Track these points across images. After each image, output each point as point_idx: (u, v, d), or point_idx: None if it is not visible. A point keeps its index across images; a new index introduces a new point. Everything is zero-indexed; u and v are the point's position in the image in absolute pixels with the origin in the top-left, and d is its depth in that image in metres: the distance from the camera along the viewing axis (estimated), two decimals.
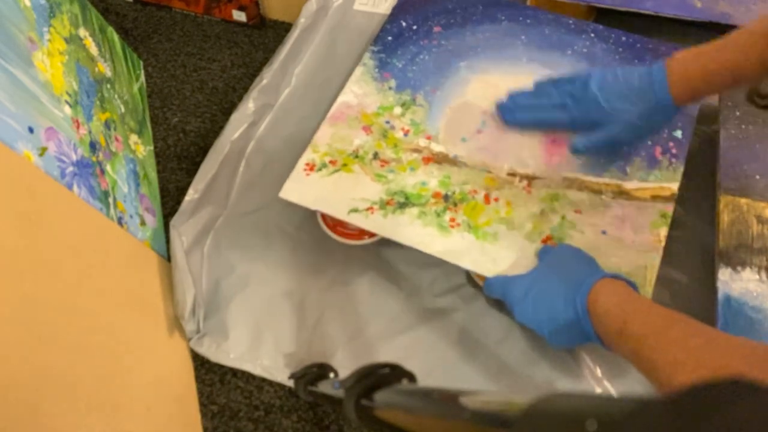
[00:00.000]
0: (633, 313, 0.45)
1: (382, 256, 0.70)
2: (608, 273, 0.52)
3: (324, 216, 0.71)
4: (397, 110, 0.70)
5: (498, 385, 0.62)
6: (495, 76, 0.72)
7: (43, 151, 0.58)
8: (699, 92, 0.56)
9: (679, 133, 0.66)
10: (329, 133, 0.68)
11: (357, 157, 0.66)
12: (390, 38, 0.76)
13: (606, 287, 0.49)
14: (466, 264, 0.60)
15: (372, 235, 0.69)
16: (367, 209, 0.63)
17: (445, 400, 0.30)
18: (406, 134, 0.68)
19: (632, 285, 0.51)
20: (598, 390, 0.61)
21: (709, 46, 0.54)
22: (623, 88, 0.58)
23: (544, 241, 0.61)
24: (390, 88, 0.72)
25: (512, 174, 0.65)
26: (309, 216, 0.72)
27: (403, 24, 0.77)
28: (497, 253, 0.60)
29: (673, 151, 0.65)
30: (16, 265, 0.48)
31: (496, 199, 0.63)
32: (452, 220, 0.62)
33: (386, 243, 0.70)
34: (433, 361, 0.64)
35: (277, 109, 0.82)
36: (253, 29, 1.09)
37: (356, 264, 0.69)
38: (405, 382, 0.38)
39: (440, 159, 0.66)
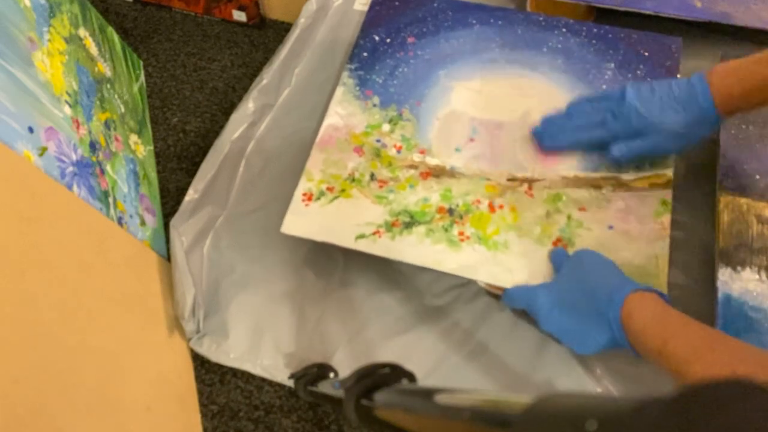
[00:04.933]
0: (672, 332, 0.45)
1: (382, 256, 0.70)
2: (638, 284, 0.50)
3: None
4: (386, 127, 0.69)
5: (498, 385, 0.62)
6: (476, 81, 0.72)
7: (43, 151, 0.58)
8: (739, 106, 0.55)
9: None
10: (321, 159, 0.67)
11: (354, 180, 0.66)
12: (365, 54, 0.75)
13: (640, 302, 0.49)
14: (483, 277, 0.60)
15: None
16: (374, 233, 0.62)
17: (445, 400, 0.30)
18: (399, 151, 0.68)
19: (663, 296, 0.50)
20: (598, 390, 0.61)
21: (747, 60, 0.54)
22: (665, 98, 0.57)
23: (555, 244, 0.61)
24: (374, 106, 0.71)
25: (512, 179, 0.65)
26: None
27: (376, 38, 0.76)
28: (511, 262, 0.60)
29: None
30: (16, 265, 0.48)
31: (501, 207, 0.63)
32: (461, 233, 0.62)
33: None
34: (433, 361, 0.64)
35: (277, 109, 0.82)
36: (253, 29, 1.09)
37: (356, 264, 0.69)
38: (405, 382, 0.38)
39: (438, 172, 0.66)
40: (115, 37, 0.95)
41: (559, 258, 0.58)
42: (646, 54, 0.71)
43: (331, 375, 0.57)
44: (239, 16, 1.08)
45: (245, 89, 0.89)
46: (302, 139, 0.71)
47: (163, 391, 0.69)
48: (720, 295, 0.58)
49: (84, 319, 0.57)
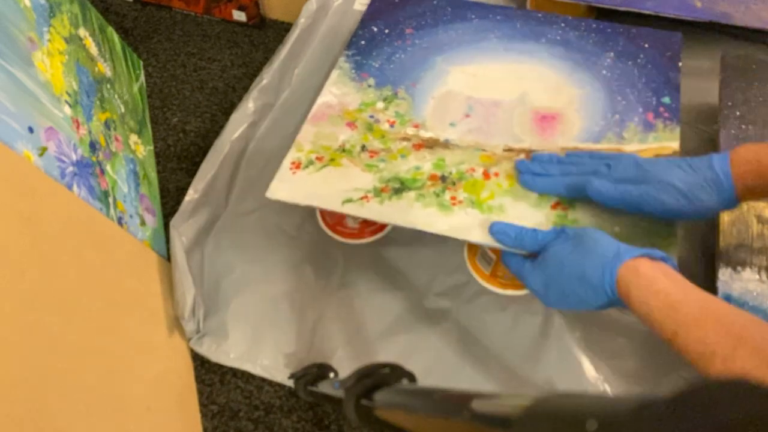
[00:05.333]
0: (682, 321, 0.42)
1: (382, 256, 0.70)
2: (635, 249, 0.46)
3: (324, 216, 0.71)
4: (380, 105, 0.68)
5: (498, 385, 0.62)
6: (473, 66, 0.71)
7: (43, 151, 0.58)
8: (756, 192, 0.49)
9: (667, 99, 0.66)
10: (312, 132, 0.66)
11: (344, 151, 0.64)
12: (363, 42, 0.75)
13: (634, 275, 0.45)
14: (477, 238, 0.56)
15: (372, 233, 0.69)
16: (362, 198, 0.60)
17: (445, 400, 0.30)
18: (392, 125, 0.66)
19: (666, 260, 0.46)
20: (598, 390, 0.61)
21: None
22: (674, 161, 0.51)
23: (554, 207, 0.57)
24: (369, 86, 0.70)
25: (509, 150, 0.63)
26: (309, 216, 0.72)
27: (375, 29, 0.76)
28: None
29: (666, 114, 0.65)
30: (16, 265, 0.48)
31: (497, 174, 0.61)
32: (453, 198, 0.59)
33: (386, 243, 0.70)
34: (433, 361, 0.64)
35: (277, 109, 0.82)
36: (253, 29, 1.09)
37: (356, 264, 0.69)
38: (405, 382, 0.39)
39: (431, 144, 0.64)
40: (115, 37, 0.95)
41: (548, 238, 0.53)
42: (646, 45, 0.71)
43: (331, 375, 0.57)
44: (239, 16, 1.08)
45: (245, 89, 0.89)
46: None
47: (163, 391, 0.69)
48: (720, 295, 0.58)
49: (84, 319, 0.57)
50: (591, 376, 0.61)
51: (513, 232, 0.53)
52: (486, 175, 0.61)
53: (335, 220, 0.69)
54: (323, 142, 0.65)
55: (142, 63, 1.05)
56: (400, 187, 0.60)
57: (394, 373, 0.38)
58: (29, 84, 0.61)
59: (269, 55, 0.88)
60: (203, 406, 0.75)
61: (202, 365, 0.76)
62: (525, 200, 0.58)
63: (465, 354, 0.64)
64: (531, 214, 0.57)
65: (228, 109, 0.99)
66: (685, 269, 0.65)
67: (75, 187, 0.63)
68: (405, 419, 0.33)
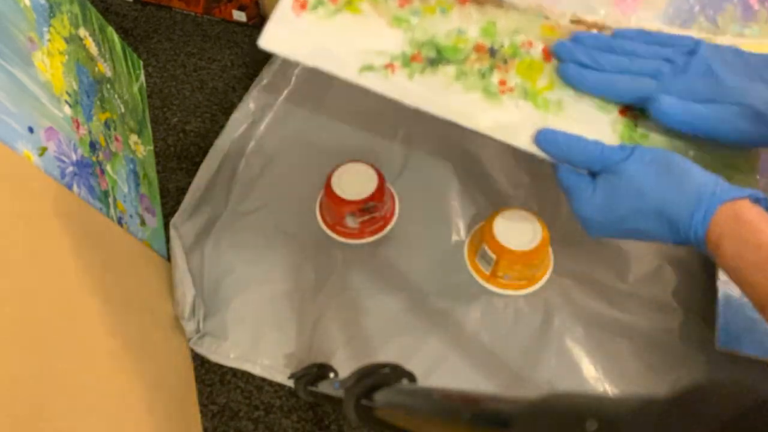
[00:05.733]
0: None
1: (382, 255, 0.70)
2: (741, 188, 0.37)
3: (324, 215, 0.71)
4: None
5: (498, 385, 0.62)
6: None
7: (43, 151, 0.58)
8: None
9: None
10: None
11: None
12: None
13: (739, 213, 0.36)
14: (524, 143, 0.45)
15: (372, 233, 0.69)
16: (386, 67, 0.47)
17: (445, 400, 0.30)
18: None
19: (761, 201, 0.37)
20: (598, 390, 0.61)
21: None
22: (760, 66, 0.41)
23: (623, 112, 0.46)
24: None
25: (577, 21, 0.49)
26: (309, 216, 0.72)
27: None
28: (564, 129, 0.45)
29: None
30: (16, 265, 0.48)
31: None
32: (502, 83, 0.47)
33: (386, 243, 0.70)
34: (433, 361, 0.64)
35: (277, 109, 0.82)
36: (253, 29, 1.09)
37: (356, 264, 0.69)
38: (405, 382, 0.39)
39: None
40: (115, 37, 0.95)
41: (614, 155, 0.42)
42: None
43: (331, 375, 0.57)
44: (239, 16, 1.08)
45: (245, 89, 0.89)
46: (302, 139, 0.71)
47: (163, 391, 0.69)
48: (720, 295, 0.58)
49: (84, 319, 0.57)
50: (591, 376, 0.61)
51: (568, 142, 0.43)
52: (546, 54, 0.48)
53: (335, 220, 0.69)
54: None
55: (142, 63, 1.05)
56: (436, 57, 0.47)
57: (394, 373, 0.38)
58: (29, 84, 0.61)
59: (269, 55, 0.88)
60: (203, 406, 0.75)
61: (202, 365, 0.76)
62: (590, 97, 0.46)
63: (465, 354, 0.64)
64: (595, 118, 0.46)
65: (228, 109, 0.99)
66: (686, 269, 0.66)
67: (75, 187, 0.63)
68: (405, 419, 0.33)
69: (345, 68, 0.46)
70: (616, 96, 0.46)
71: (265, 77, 0.83)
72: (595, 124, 0.46)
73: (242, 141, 0.79)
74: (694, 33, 0.48)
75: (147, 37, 1.10)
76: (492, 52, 0.48)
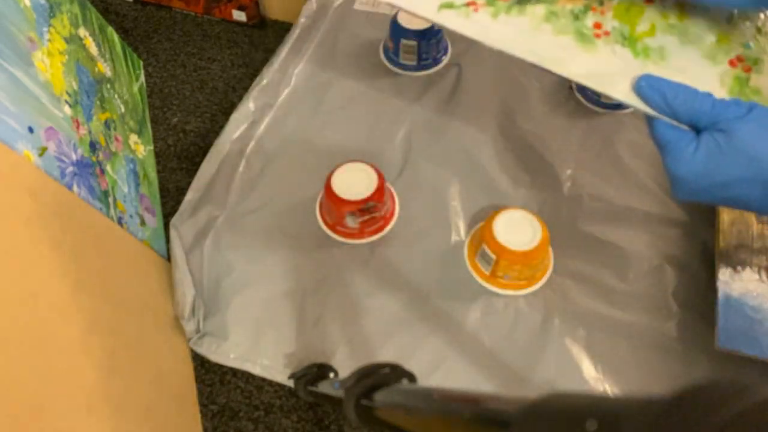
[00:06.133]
0: None
1: (383, 255, 0.70)
2: None
3: (324, 215, 0.71)
4: None
5: (498, 385, 0.62)
6: None
7: (43, 151, 0.58)
8: None
9: None
10: None
11: None
12: None
13: None
14: (621, 94, 0.40)
15: (372, 233, 0.69)
16: (468, 4, 0.42)
17: (445, 400, 0.30)
18: None
19: None
20: (598, 390, 0.61)
21: None
22: None
23: (733, 64, 0.41)
24: None
25: None
26: (309, 216, 0.72)
27: None
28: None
29: None
30: (16, 265, 0.48)
31: None
32: (597, 26, 0.42)
33: (386, 243, 0.70)
34: (433, 361, 0.64)
35: (277, 109, 0.82)
36: (253, 29, 1.09)
37: (356, 263, 0.69)
38: (405, 382, 0.39)
39: None
40: (115, 37, 0.95)
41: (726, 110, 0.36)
42: None
43: (331, 375, 0.57)
44: (239, 16, 1.08)
45: (245, 89, 0.89)
46: (302, 139, 0.71)
47: (163, 391, 0.69)
48: (720, 295, 0.58)
49: (84, 319, 0.57)
50: (591, 376, 0.61)
51: (674, 91, 0.38)
52: None
53: (335, 220, 0.69)
54: None
55: (142, 63, 1.05)
56: None
57: (394, 373, 0.38)
58: (29, 84, 0.61)
59: (269, 55, 0.88)
60: (203, 406, 0.75)
61: (202, 365, 0.76)
62: (697, 45, 0.41)
63: (465, 354, 0.64)
64: (701, 69, 0.41)
65: (228, 109, 0.99)
66: (686, 269, 0.66)
67: (75, 187, 0.63)
68: (405, 419, 0.33)
69: (423, 5, 0.42)
70: None
71: (265, 77, 0.83)
72: (702, 77, 0.40)
73: (242, 141, 0.79)
74: None
75: (147, 37, 1.10)
76: None
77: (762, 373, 0.58)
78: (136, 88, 0.97)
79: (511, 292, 0.66)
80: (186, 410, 0.73)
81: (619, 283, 0.66)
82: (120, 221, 0.71)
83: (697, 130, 0.37)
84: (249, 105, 0.81)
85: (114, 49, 0.92)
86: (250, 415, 0.73)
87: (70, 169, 0.63)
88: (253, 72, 1.03)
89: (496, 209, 0.65)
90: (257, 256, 0.71)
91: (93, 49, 0.84)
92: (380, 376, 0.38)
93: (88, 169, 0.68)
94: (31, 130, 0.58)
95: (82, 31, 0.81)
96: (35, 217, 0.52)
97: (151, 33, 1.10)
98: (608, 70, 0.41)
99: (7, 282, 0.47)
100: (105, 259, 0.64)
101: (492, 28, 0.42)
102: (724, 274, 0.58)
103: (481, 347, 0.64)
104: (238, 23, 1.10)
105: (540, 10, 0.42)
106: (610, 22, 0.42)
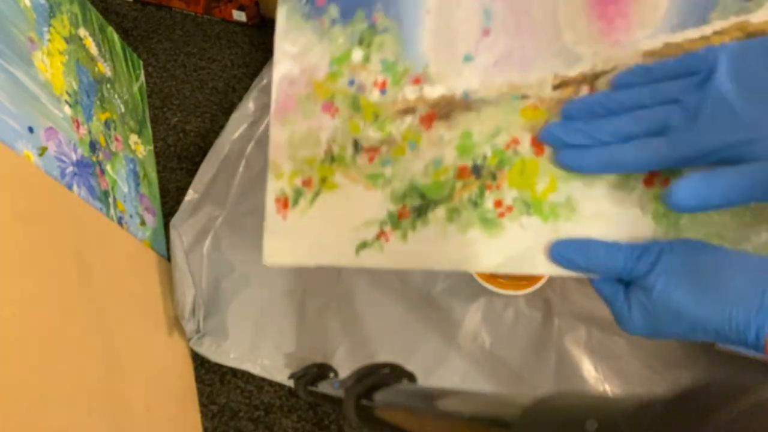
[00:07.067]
0: None
1: None
2: None
3: None
4: (357, 55, 0.45)
5: (498, 385, 0.62)
6: None
7: (43, 150, 0.58)
8: None
9: None
10: (284, 138, 0.47)
11: (333, 159, 0.45)
12: None
13: None
14: (543, 270, 0.38)
15: None
16: (378, 237, 0.43)
17: (445, 400, 0.30)
18: (383, 90, 0.44)
19: None
20: (598, 390, 0.61)
21: None
22: None
23: (649, 182, 0.36)
24: (333, 23, 0.46)
25: (561, 84, 0.39)
26: None
27: None
28: (586, 233, 0.37)
29: None
30: (16, 265, 0.48)
31: None
32: (498, 203, 0.39)
33: None
34: (433, 361, 0.64)
35: None
36: (253, 29, 1.09)
37: None
38: (405, 382, 0.39)
39: (446, 108, 0.42)
40: (115, 37, 0.95)
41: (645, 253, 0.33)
42: None
43: (331, 375, 0.57)
44: (239, 16, 1.08)
45: (245, 89, 0.89)
46: None
47: (163, 391, 0.69)
48: None
49: (84, 319, 0.57)
50: (591, 376, 0.61)
51: (583, 253, 0.35)
52: (537, 146, 0.39)
53: None
54: (303, 152, 0.46)
55: (142, 63, 1.05)
56: (421, 203, 0.42)
57: (394, 373, 0.38)
58: (29, 84, 0.61)
59: (269, 55, 0.88)
60: (203, 406, 0.75)
61: (202, 365, 0.76)
62: (602, 179, 0.37)
63: (465, 354, 0.64)
64: (616, 205, 0.37)
65: (228, 109, 0.99)
66: None
67: (75, 187, 0.63)
68: (405, 419, 0.33)
69: (342, 256, 0.44)
70: (629, 170, 0.35)
71: (265, 77, 0.83)
72: (621, 213, 0.36)
73: (242, 141, 0.79)
74: (719, 23, 0.35)
75: (147, 37, 1.10)
76: (476, 171, 0.40)
77: (762, 373, 0.58)
78: (136, 88, 0.97)
79: (511, 292, 0.66)
80: (186, 410, 0.73)
81: None
82: (120, 221, 0.71)
83: (628, 284, 0.35)
84: (249, 105, 0.81)
85: (114, 49, 0.92)
86: (250, 415, 0.73)
87: (70, 169, 0.63)
88: (253, 72, 1.03)
89: None
90: (257, 256, 0.71)
91: (93, 49, 0.84)
92: (380, 376, 0.38)
93: (88, 169, 0.68)
94: (31, 130, 0.58)
95: (82, 31, 0.81)
96: (35, 217, 0.52)
97: (151, 33, 1.10)
98: (522, 248, 0.38)
99: (7, 282, 0.47)
100: (105, 259, 0.64)
101: (404, 251, 0.41)
102: None
103: (481, 347, 0.64)
104: (238, 23, 1.10)
105: (441, 212, 0.41)
106: (509, 194, 0.39)
